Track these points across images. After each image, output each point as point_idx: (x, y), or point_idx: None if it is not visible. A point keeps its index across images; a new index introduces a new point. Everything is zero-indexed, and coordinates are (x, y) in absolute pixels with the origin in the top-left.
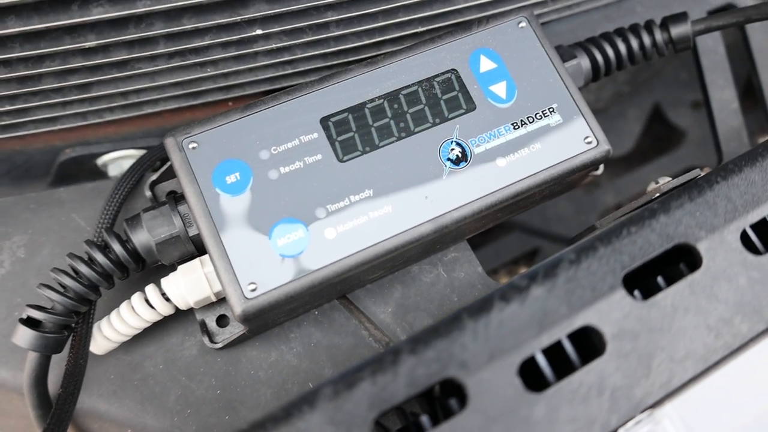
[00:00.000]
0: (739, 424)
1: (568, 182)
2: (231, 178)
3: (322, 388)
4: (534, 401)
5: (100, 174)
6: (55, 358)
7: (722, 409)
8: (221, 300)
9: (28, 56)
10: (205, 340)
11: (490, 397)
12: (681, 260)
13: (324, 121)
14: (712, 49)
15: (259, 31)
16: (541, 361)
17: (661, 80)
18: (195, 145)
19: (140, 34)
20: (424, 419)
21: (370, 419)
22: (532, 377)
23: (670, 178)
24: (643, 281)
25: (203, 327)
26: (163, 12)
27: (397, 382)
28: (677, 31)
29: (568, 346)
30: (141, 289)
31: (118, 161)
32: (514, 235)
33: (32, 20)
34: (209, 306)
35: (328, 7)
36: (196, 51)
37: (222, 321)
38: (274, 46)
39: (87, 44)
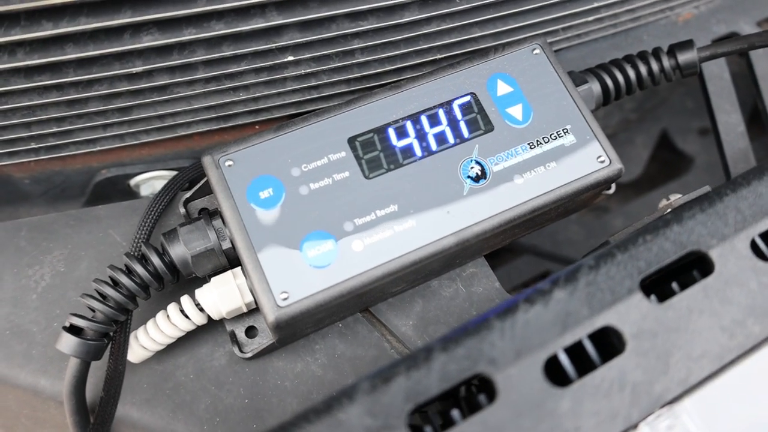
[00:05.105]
0: (754, 419)
1: (582, 200)
2: (264, 194)
3: (361, 382)
4: (559, 396)
5: (132, 194)
6: (91, 369)
7: (737, 405)
8: (251, 312)
9: (79, 81)
10: (235, 349)
11: (518, 391)
12: (694, 268)
13: (351, 141)
14: (718, 75)
15: (290, 58)
16: (564, 359)
17: (667, 108)
18: (231, 162)
19: (183, 60)
20: (455, 413)
21: (406, 411)
22: (555, 374)
23: (680, 195)
24: (660, 289)
25: (233, 337)
26: (205, 40)
27: (430, 376)
28: (684, 57)
29: (589, 346)
30: (169, 302)
31: (150, 182)
32: (525, 258)
33: (88, 47)
34: (238, 317)
35: (355, 35)
36: (231, 76)
37: (251, 332)
38: (302, 71)
39: (134, 69)
